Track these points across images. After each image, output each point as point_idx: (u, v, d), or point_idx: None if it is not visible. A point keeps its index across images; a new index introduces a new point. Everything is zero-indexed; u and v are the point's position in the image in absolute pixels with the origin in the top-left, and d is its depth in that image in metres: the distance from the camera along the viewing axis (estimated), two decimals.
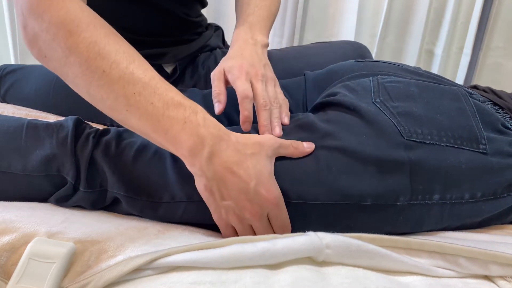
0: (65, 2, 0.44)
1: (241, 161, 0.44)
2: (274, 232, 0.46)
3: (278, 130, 0.52)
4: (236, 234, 0.47)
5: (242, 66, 0.57)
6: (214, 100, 0.55)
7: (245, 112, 0.52)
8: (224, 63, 0.59)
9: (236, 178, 0.44)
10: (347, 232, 0.43)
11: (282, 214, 0.46)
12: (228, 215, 0.45)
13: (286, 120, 0.54)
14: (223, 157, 0.44)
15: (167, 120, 0.43)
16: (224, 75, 0.58)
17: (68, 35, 0.43)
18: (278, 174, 0.47)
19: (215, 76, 0.59)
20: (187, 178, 0.48)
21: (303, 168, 0.47)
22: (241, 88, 0.54)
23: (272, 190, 0.44)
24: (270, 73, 0.61)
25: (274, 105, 0.55)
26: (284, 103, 0.57)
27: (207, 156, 0.43)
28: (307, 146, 0.48)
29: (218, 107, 0.55)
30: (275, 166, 0.47)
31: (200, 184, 0.45)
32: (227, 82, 0.58)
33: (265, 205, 0.44)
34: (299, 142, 0.48)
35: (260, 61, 0.61)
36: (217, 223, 0.47)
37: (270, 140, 0.47)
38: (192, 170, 0.45)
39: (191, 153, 0.44)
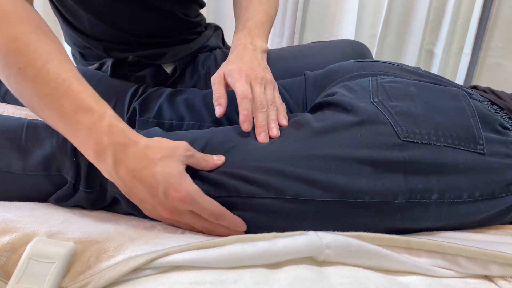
0: None
1: (147, 166, 0.44)
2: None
3: (275, 131, 0.52)
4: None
5: (242, 69, 0.57)
6: (215, 104, 0.56)
7: (244, 111, 0.52)
8: (224, 67, 0.60)
9: (143, 184, 0.43)
10: (346, 228, 0.44)
11: (205, 208, 0.45)
12: (157, 215, 0.46)
13: (284, 122, 0.54)
14: (128, 165, 0.43)
15: (75, 125, 0.43)
16: (224, 78, 0.58)
17: None
18: (273, 172, 0.47)
19: (215, 79, 0.59)
20: None
21: (299, 166, 0.47)
22: (241, 89, 0.54)
23: (181, 189, 0.43)
24: (269, 76, 0.61)
25: (271, 107, 0.55)
26: (282, 106, 0.57)
27: (112, 165, 0.43)
28: (217, 159, 0.48)
29: (219, 110, 0.55)
30: (268, 163, 0.48)
31: (120, 189, 0.46)
32: (227, 86, 0.59)
33: (179, 205, 0.44)
34: (210, 156, 0.48)
35: (260, 65, 0.62)
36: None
37: (184, 146, 0.46)
38: (104, 175, 0.46)
39: (96, 161, 0.44)
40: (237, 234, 0.45)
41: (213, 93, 0.57)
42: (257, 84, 0.56)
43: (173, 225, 0.48)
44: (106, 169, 0.45)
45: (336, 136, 0.49)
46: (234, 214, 0.47)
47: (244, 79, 0.56)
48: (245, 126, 0.52)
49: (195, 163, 0.47)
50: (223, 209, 0.46)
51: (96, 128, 0.43)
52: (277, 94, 0.60)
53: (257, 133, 0.52)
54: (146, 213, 0.48)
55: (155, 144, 0.46)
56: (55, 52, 0.45)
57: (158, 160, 0.44)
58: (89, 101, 0.44)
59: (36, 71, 0.43)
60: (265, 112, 0.54)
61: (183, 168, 0.46)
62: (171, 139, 0.48)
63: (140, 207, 0.47)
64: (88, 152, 0.45)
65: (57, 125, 0.45)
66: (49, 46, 0.45)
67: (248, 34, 0.68)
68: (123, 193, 0.46)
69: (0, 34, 0.43)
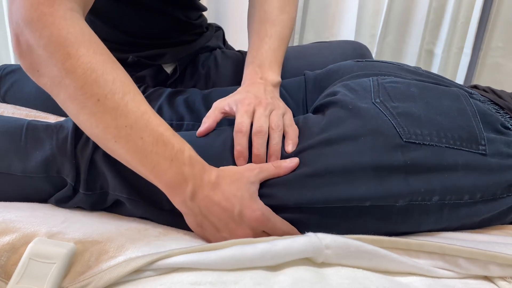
0: (67, 21, 0.43)
1: (222, 192, 0.45)
2: None
3: (273, 160, 0.49)
4: None
5: (245, 98, 0.55)
6: (203, 121, 0.55)
7: (237, 147, 0.50)
8: (230, 97, 0.57)
9: (220, 208, 0.45)
10: (347, 233, 0.43)
11: (277, 226, 0.46)
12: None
13: (289, 148, 0.50)
14: (205, 192, 0.45)
15: (155, 156, 0.44)
16: (228, 108, 0.56)
17: (67, 57, 0.42)
18: (273, 182, 0.47)
19: (215, 104, 0.57)
20: None
21: (299, 174, 0.47)
22: (237, 121, 0.52)
23: (256, 209, 0.45)
24: (279, 102, 0.58)
25: (276, 130, 0.51)
26: (292, 131, 0.52)
27: (190, 195, 0.45)
28: (290, 162, 0.48)
29: (202, 127, 0.54)
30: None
31: (191, 222, 0.47)
32: (227, 114, 0.56)
33: (255, 225, 0.45)
34: (281, 161, 0.48)
35: (267, 94, 0.58)
36: None
37: (249, 166, 0.48)
38: (176, 206, 0.47)
39: (173, 191, 0.45)
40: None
41: (208, 112, 0.56)
42: (261, 108, 0.53)
43: None
44: (182, 199, 0.45)
45: (338, 142, 0.48)
46: None
47: (245, 108, 0.53)
48: (239, 162, 0.50)
49: (267, 174, 0.47)
50: (292, 228, 0.47)
51: (177, 159, 0.44)
52: (288, 121, 0.54)
53: (253, 161, 0.50)
54: (227, 237, 0.46)
55: (225, 171, 0.47)
56: (128, 83, 0.45)
57: (228, 185, 0.46)
58: (168, 134, 0.45)
59: (115, 104, 0.43)
60: (263, 137, 0.50)
61: (254, 189, 0.46)
62: None
63: (212, 240, 0.47)
64: (165, 184, 0.45)
65: (131, 157, 0.44)
66: (122, 76, 0.45)
67: (258, 67, 0.64)
68: (195, 225, 0.47)
69: (78, 64, 0.42)
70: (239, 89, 0.61)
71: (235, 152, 0.50)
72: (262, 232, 0.46)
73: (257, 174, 0.47)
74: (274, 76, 0.64)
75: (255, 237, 0.45)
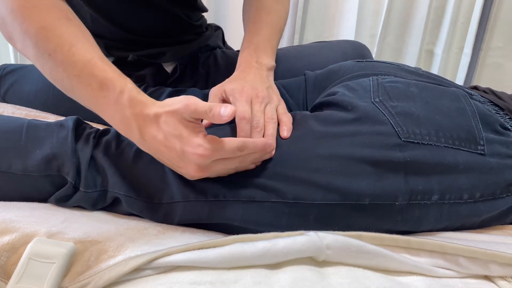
0: None
1: (163, 132, 0.45)
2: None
3: (270, 149, 0.49)
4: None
5: (243, 89, 0.56)
6: None
7: (241, 133, 0.51)
8: (226, 84, 0.58)
9: (165, 148, 0.45)
10: (347, 231, 0.44)
11: (226, 150, 0.44)
12: (191, 176, 0.46)
13: (285, 134, 0.52)
14: (150, 132, 0.45)
15: (102, 101, 0.46)
16: (224, 95, 0.57)
17: (22, 20, 0.47)
18: (273, 174, 0.47)
19: (213, 92, 0.58)
20: (185, 178, 0.48)
21: (299, 168, 0.47)
22: (240, 109, 0.53)
23: (197, 145, 0.43)
24: (273, 95, 0.59)
25: (271, 122, 0.53)
26: (287, 118, 0.54)
27: (138, 135, 0.46)
28: (224, 110, 0.44)
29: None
30: (268, 167, 0.48)
31: (154, 156, 0.48)
32: (224, 102, 0.57)
33: (201, 161, 0.44)
34: (216, 107, 0.44)
35: (263, 83, 0.60)
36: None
37: (186, 102, 0.44)
38: (139, 146, 0.48)
39: (126, 133, 0.47)
40: (269, 157, 0.48)
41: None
42: (257, 103, 0.55)
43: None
44: (137, 140, 0.47)
45: (337, 137, 0.48)
46: (234, 220, 0.47)
47: (245, 98, 0.55)
48: None
49: (201, 117, 0.45)
50: (240, 140, 0.46)
51: (119, 103, 0.46)
52: (282, 110, 0.57)
53: None
54: (184, 175, 0.47)
55: (164, 106, 0.46)
56: (79, 35, 0.48)
57: (167, 124, 0.45)
58: (111, 77, 0.47)
59: (63, 56, 0.46)
60: (260, 132, 0.52)
61: (191, 126, 0.45)
62: None
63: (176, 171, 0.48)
64: (118, 126, 0.47)
65: (88, 104, 0.48)
66: (73, 30, 0.48)
67: (254, 51, 0.66)
68: (157, 159, 0.47)
69: (31, 24, 0.47)
70: (235, 74, 0.62)
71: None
72: (216, 162, 0.45)
73: (192, 113, 0.45)
74: (269, 60, 0.66)
75: (211, 170, 0.45)
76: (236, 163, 0.46)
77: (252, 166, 0.48)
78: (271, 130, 0.52)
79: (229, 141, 0.45)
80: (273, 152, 0.49)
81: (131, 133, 0.47)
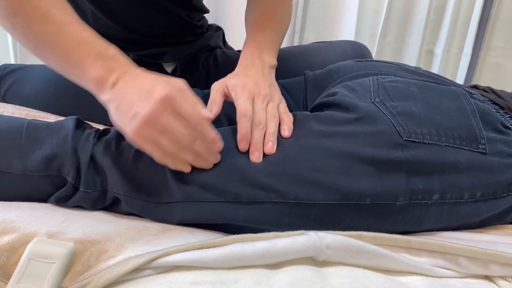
0: None
1: (141, 81, 0.47)
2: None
3: (270, 145, 0.50)
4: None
5: (246, 85, 0.56)
6: (207, 108, 0.54)
7: (242, 130, 0.51)
8: (228, 79, 0.58)
9: (136, 87, 0.46)
10: (347, 231, 0.43)
11: (186, 106, 0.45)
12: (137, 126, 0.44)
13: (286, 133, 0.52)
14: (127, 79, 0.48)
15: (80, 55, 0.48)
16: (226, 90, 0.57)
17: None
18: (274, 174, 0.47)
19: (215, 87, 0.58)
20: (186, 178, 0.48)
21: (300, 168, 0.47)
22: (241, 106, 0.53)
23: (166, 88, 0.44)
24: (275, 93, 0.59)
25: (272, 120, 0.53)
26: (287, 117, 0.54)
27: (112, 82, 0.47)
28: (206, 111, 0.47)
29: (210, 113, 0.53)
30: (269, 166, 0.48)
31: (111, 112, 0.48)
32: (226, 97, 0.57)
33: (165, 96, 0.44)
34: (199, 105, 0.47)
35: (266, 81, 0.60)
36: (144, 148, 0.46)
37: (166, 82, 0.46)
38: (104, 101, 0.49)
39: (100, 84, 0.48)
40: (214, 152, 0.48)
41: (210, 98, 0.56)
42: (259, 101, 0.55)
43: (152, 152, 0.46)
44: (107, 88, 0.47)
45: (338, 137, 0.48)
46: (235, 220, 0.47)
47: (247, 95, 0.54)
48: (242, 145, 0.50)
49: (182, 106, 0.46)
50: (200, 116, 0.46)
51: (101, 56, 0.48)
52: (283, 109, 0.57)
53: (250, 151, 0.50)
54: (131, 132, 0.45)
55: (150, 74, 0.49)
56: (58, 1, 0.50)
57: (148, 80, 0.47)
58: (92, 39, 0.49)
59: (41, 14, 0.48)
60: (262, 129, 0.52)
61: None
62: None
63: (126, 126, 0.46)
64: (90, 79, 0.48)
65: (61, 58, 0.49)
66: None
67: (256, 48, 0.66)
68: (114, 109, 0.47)
69: None
70: (237, 70, 0.62)
71: (239, 136, 0.50)
72: (164, 130, 0.45)
73: (181, 91, 0.46)
74: (271, 58, 0.66)
75: (163, 129, 0.44)
76: (186, 137, 0.45)
77: (199, 150, 0.47)
78: (272, 128, 0.52)
79: (193, 104, 0.46)
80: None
81: (107, 80, 0.47)
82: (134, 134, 0.45)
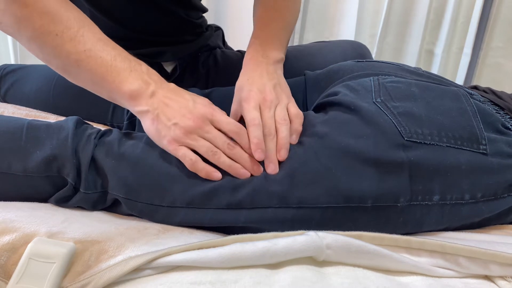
0: None
1: (179, 93, 0.53)
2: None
3: (283, 153, 0.49)
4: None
5: (250, 95, 0.55)
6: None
7: (254, 139, 0.50)
8: (234, 102, 0.58)
9: (176, 101, 0.51)
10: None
11: (222, 120, 0.50)
12: (177, 134, 0.49)
13: (293, 139, 0.51)
14: (164, 93, 0.52)
15: (114, 69, 0.51)
16: (237, 113, 0.57)
17: (23, 6, 0.49)
18: (277, 179, 0.47)
19: (233, 111, 0.58)
20: (188, 183, 0.48)
21: (303, 171, 0.47)
22: (249, 116, 0.52)
23: (206, 102, 0.52)
24: (281, 94, 0.58)
25: (283, 124, 0.52)
26: (297, 119, 0.53)
27: (150, 94, 0.51)
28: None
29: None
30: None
31: (147, 121, 0.50)
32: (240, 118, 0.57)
33: (205, 112, 0.50)
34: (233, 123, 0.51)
35: (270, 80, 0.58)
36: (174, 153, 0.49)
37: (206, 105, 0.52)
38: (138, 111, 0.51)
39: (136, 96, 0.50)
40: (253, 160, 0.50)
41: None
42: (266, 109, 0.54)
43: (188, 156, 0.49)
44: (143, 100, 0.50)
45: (340, 138, 0.48)
46: (236, 224, 0.47)
47: (253, 105, 0.54)
48: (257, 155, 0.49)
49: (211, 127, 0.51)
50: (239, 125, 0.51)
51: (136, 70, 0.52)
52: (293, 109, 0.55)
53: (266, 165, 0.49)
54: (167, 141, 0.49)
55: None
56: (84, 19, 0.52)
57: (183, 94, 0.53)
58: (124, 54, 0.52)
59: (72, 35, 0.50)
60: (273, 139, 0.51)
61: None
62: None
63: (162, 134, 0.50)
64: (125, 92, 0.50)
65: (94, 75, 0.51)
66: (77, 14, 0.52)
67: (259, 45, 0.64)
68: (150, 122, 0.50)
69: (33, 9, 0.49)
70: (241, 77, 0.61)
71: (252, 146, 0.50)
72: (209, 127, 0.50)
73: (211, 114, 0.51)
74: (277, 53, 0.64)
75: (202, 124, 0.49)
76: (219, 145, 0.49)
77: (229, 168, 0.49)
78: (284, 132, 0.51)
79: (228, 120, 0.51)
80: (260, 171, 0.49)
81: (141, 91, 0.50)
82: (172, 140, 0.49)
